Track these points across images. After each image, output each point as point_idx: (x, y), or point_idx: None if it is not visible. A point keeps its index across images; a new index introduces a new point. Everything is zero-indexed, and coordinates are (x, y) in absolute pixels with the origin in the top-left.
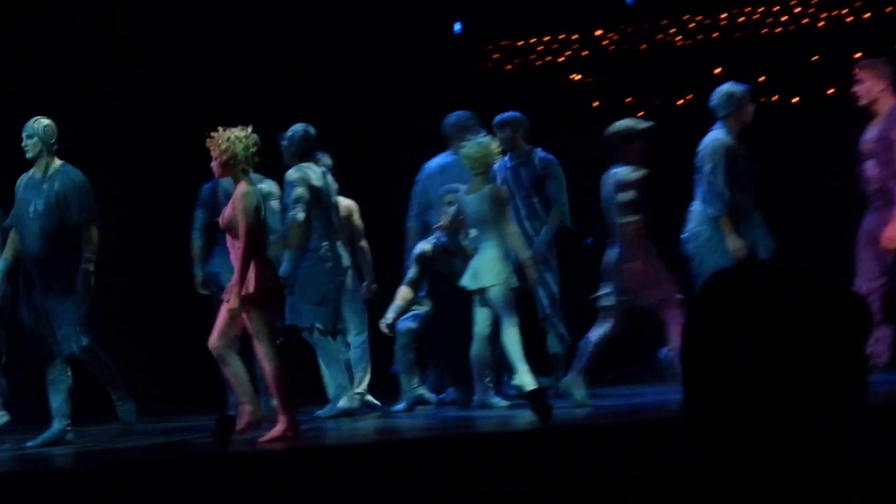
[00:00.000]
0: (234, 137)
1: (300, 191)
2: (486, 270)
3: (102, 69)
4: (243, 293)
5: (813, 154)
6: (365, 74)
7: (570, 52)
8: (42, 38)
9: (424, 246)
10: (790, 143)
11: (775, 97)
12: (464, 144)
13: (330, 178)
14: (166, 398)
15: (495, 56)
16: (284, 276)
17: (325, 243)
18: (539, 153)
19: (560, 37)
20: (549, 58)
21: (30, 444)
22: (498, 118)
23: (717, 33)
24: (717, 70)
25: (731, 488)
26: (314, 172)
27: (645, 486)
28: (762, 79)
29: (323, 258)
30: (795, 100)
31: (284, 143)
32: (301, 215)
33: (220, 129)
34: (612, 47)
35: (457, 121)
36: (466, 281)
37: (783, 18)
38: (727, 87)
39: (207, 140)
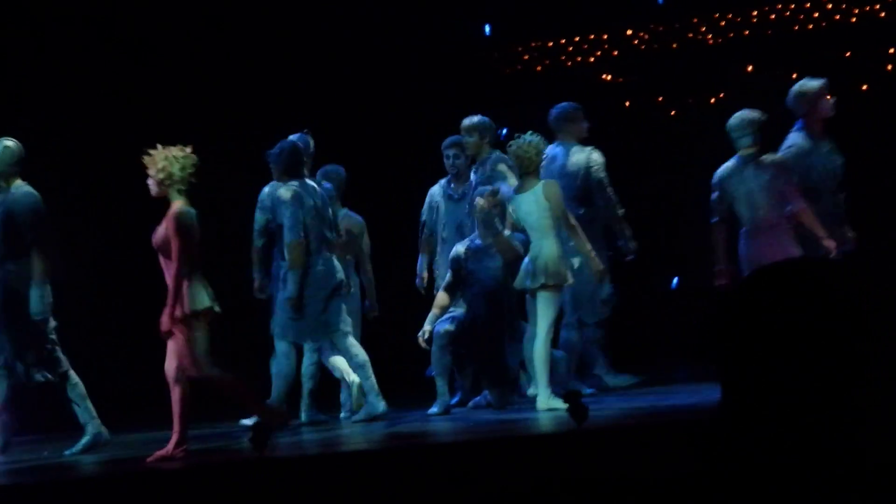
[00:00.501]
0: (171, 157)
1: (295, 210)
2: (544, 270)
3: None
4: (177, 314)
5: (848, 150)
6: (393, 78)
7: (600, 52)
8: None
9: (458, 248)
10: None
11: None
12: (511, 143)
13: (321, 191)
14: (202, 404)
15: (525, 57)
16: (291, 297)
17: (314, 258)
18: (494, 157)
19: (590, 37)
20: (580, 58)
21: (68, 451)
22: (466, 122)
23: (748, 31)
24: (750, 68)
25: (766, 486)
26: (305, 189)
27: (680, 486)
28: (794, 76)
29: (309, 273)
30: (829, 97)
31: (272, 158)
32: (301, 235)
33: (159, 146)
34: (643, 46)
35: (560, 113)
36: (524, 282)
37: (815, 15)
38: (799, 86)
39: (144, 157)
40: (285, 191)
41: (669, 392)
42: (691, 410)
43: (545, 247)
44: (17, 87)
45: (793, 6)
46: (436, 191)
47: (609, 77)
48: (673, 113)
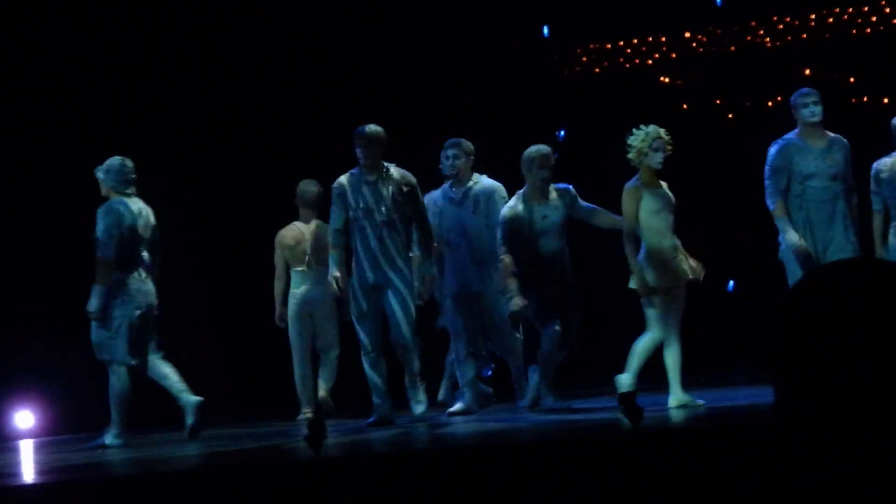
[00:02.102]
0: None
1: (111, 228)
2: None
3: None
4: None
5: None
6: (451, 79)
7: (658, 55)
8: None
9: (509, 211)
10: (882, 144)
11: (865, 98)
12: (633, 133)
13: (146, 211)
14: (259, 404)
15: (584, 59)
16: (94, 311)
17: (123, 276)
18: (397, 171)
19: (649, 39)
20: (638, 60)
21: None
22: (368, 130)
23: (806, 34)
24: (807, 71)
25: (823, 487)
26: (127, 207)
27: (735, 488)
28: (852, 80)
29: (120, 292)
30: (886, 100)
31: (100, 175)
32: (111, 252)
33: None
34: (701, 49)
35: (795, 98)
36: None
37: (873, 19)
38: None
39: None
40: (105, 208)
41: (725, 394)
42: (747, 413)
43: (639, 250)
44: None
45: (851, 10)
46: (437, 195)
47: (667, 79)
48: (731, 116)
